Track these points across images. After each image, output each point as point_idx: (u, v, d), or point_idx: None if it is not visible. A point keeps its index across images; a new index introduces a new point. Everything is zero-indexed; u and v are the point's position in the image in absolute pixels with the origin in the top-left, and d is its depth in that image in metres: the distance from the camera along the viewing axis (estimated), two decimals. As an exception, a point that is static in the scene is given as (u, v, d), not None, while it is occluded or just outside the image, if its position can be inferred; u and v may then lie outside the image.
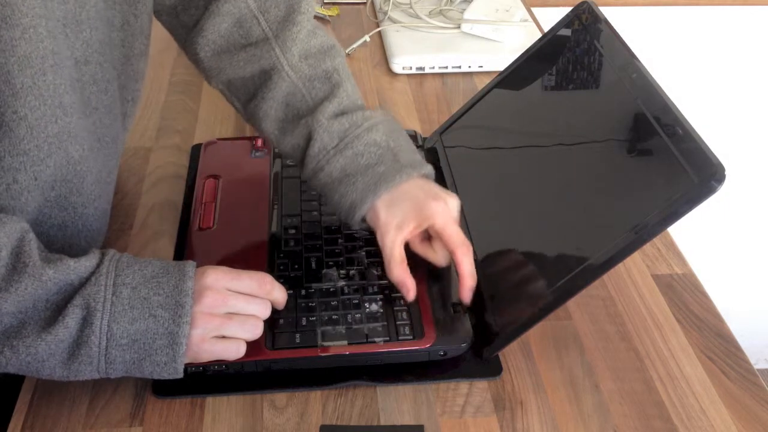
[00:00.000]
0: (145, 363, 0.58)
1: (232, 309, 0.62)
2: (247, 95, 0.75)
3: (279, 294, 0.65)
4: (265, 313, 0.64)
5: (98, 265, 0.59)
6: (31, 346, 0.55)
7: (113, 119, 0.69)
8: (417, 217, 0.67)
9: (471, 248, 0.68)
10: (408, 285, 0.67)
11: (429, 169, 0.71)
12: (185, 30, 0.75)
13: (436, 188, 0.70)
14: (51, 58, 0.57)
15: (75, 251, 0.68)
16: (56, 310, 0.56)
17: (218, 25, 0.73)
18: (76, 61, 0.62)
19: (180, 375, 0.59)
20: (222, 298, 0.61)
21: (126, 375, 0.59)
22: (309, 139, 0.70)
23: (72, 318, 0.55)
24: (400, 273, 0.67)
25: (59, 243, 0.66)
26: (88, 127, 0.65)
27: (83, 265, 0.58)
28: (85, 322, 0.56)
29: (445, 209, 0.67)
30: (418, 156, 0.71)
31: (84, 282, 0.57)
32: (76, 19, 0.60)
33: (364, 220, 0.70)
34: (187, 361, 0.60)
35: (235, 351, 0.62)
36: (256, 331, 0.62)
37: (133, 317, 0.57)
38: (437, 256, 0.70)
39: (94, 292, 0.56)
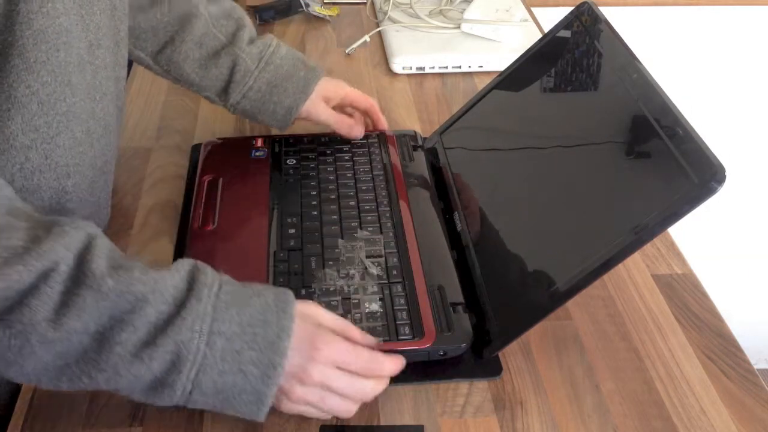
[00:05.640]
0: (226, 409, 0.56)
1: (331, 389, 0.59)
2: (157, 45, 0.82)
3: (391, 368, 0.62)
4: (366, 397, 0.61)
5: (189, 295, 0.53)
6: (111, 379, 0.52)
7: (117, 109, 0.70)
8: (335, 90, 0.86)
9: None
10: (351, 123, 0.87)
11: (320, 66, 0.87)
12: None
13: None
14: (65, 36, 0.57)
15: None
16: (143, 344, 0.52)
17: None
18: (90, 44, 0.62)
19: (262, 420, 0.57)
20: (323, 381, 0.57)
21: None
22: (233, 67, 0.81)
23: (158, 362, 0.52)
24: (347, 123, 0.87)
25: None
26: (97, 113, 0.65)
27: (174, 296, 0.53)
28: (173, 367, 0.52)
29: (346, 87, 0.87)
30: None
31: (174, 315, 0.52)
32: (89, 1, 0.61)
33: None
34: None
35: (317, 414, 0.60)
36: (344, 411, 0.60)
37: (222, 370, 0.53)
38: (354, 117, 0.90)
39: (186, 340, 0.52)
